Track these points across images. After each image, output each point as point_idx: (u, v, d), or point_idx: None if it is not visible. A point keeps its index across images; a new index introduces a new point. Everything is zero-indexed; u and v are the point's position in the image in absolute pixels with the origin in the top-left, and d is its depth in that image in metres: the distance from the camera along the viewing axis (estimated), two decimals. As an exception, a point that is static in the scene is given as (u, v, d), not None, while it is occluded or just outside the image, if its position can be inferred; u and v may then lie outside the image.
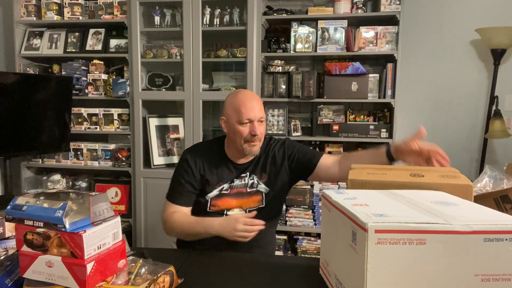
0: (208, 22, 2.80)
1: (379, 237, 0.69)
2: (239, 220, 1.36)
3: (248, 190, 1.56)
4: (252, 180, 1.56)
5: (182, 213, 1.51)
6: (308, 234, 2.86)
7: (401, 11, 2.64)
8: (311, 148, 1.71)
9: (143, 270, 0.95)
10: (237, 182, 1.55)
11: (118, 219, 0.92)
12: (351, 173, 1.08)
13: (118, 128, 3.02)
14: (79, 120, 3.06)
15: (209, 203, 1.53)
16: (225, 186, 1.54)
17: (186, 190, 1.53)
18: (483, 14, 2.84)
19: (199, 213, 1.53)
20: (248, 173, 1.57)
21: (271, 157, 1.58)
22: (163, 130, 2.96)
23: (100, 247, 0.86)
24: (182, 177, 1.53)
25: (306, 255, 2.78)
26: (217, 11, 2.80)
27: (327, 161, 1.55)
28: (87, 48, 3.03)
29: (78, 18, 2.99)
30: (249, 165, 1.57)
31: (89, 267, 0.82)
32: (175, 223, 1.48)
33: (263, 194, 1.57)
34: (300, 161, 1.58)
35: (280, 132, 2.89)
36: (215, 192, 1.53)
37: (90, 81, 3.02)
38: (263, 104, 1.57)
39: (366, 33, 2.74)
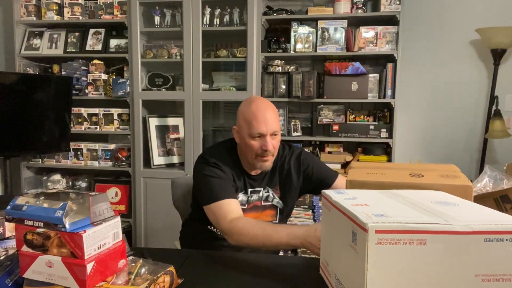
0: (208, 22, 2.80)
1: (380, 237, 0.69)
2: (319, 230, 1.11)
3: (263, 203, 1.51)
4: (267, 193, 1.51)
5: (247, 220, 1.30)
6: (308, 234, 2.86)
7: (401, 11, 2.64)
8: (326, 164, 1.61)
9: (143, 270, 0.95)
10: (253, 196, 1.49)
11: (118, 219, 0.92)
12: (351, 173, 1.08)
13: (118, 128, 3.02)
14: (79, 120, 3.06)
15: None
16: (240, 196, 1.47)
17: (228, 184, 1.39)
18: (483, 14, 2.84)
19: (211, 224, 1.44)
20: (263, 186, 1.51)
21: (286, 171, 1.52)
22: (163, 130, 2.96)
23: (100, 247, 0.85)
24: (216, 173, 1.39)
25: (306, 255, 2.78)
26: (217, 11, 2.80)
27: (342, 183, 1.48)
28: (87, 48, 3.03)
29: (78, 18, 2.99)
30: (264, 178, 1.51)
31: (89, 267, 0.82)
32: (246, 236, 1.24)
33: (278, 209, 1.53)
34: (314, 179, 1.51)
35: (280, 132, 2.89)
36: None
37: (90, 81, 3.01)
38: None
39: (366, 33, 2.74)
